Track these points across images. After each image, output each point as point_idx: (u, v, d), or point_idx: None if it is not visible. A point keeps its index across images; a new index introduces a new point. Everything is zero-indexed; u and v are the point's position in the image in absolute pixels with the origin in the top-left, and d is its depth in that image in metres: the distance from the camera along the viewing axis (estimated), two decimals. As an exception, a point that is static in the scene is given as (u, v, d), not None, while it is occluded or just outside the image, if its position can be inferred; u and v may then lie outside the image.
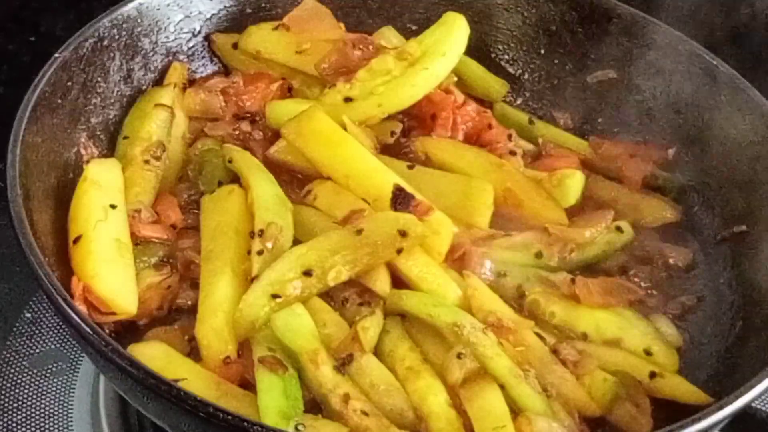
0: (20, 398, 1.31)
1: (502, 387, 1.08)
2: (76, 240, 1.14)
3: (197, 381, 1.06)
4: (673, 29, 1.44)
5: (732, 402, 1.01)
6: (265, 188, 1.24)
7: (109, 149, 1.33)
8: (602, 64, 1.50)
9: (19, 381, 1.33)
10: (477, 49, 1.50)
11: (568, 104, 1.53)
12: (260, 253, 1.15)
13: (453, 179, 1.28)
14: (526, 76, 1.56)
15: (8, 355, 1.36)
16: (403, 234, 1.16)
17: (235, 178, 1.29)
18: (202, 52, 1.48)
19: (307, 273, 1.13)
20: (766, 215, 1.28)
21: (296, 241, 1.19)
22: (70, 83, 1.26)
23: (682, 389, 1.15)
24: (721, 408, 1.01)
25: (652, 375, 1.15)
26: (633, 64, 1.47)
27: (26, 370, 1.34)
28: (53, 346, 1.37)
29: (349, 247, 1.15)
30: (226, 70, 1.48)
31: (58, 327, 1.39)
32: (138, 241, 1.21)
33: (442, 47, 1.37)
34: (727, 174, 1.36)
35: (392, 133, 1.36)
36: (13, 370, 1.34)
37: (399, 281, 1.19)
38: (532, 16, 1.53)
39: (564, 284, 1.22)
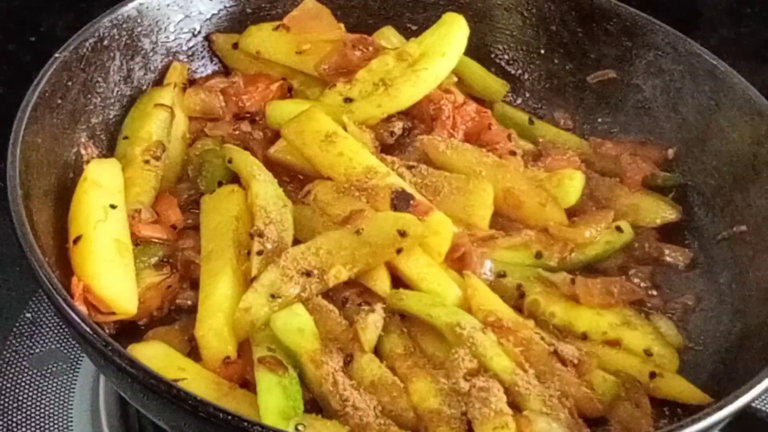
0: (20, 398, 1.31)
1: (502, 387, 1.08)
2: (76, 240, 1.14)
3: (197, 381, 1.06)
4: (673, 29, 1.44)
5: (732, 402, 1.01)
6: (265, 188, 1.24)
7: (109, 149, 1.33)
8: (602, 64, 1.50)
9: (19, 381, 1.33)
10: (477, 49, 1.50)
11: (568, 104, 1.53)
12: (260, 253, 1.15)
13: (453, 179, 1.28)
14: (526, 76, 1.56)
15: (8, 355, 1.36)
16: (402, 234, 1.16)
17: (235, 178, 1.29)
18: (202, 52, 1.48)
19: (307, 273, 1.13)
20: (766, 215, 1.28)
21: (296, 241, 1.19)
22: (70, 83, 1.26)
23: (682, 389, 1.15)
24: (721, 408, 1.00)
25: (652, 375, 1.15)
26: (633, 64, 1.47)
27: (26, 370, 1.34)
28: (53, 346, 1.37)
29: (348, 247, 1.15)
30: (226, 70, 1.49)
31: (58, 327, 1.39)
32: (138, 241, 1.21)
33: (441, 47, 1.37)
34: (727, 174, 1.36)
35: (392, 133, 1.36)
36: (13, 370, 1.34)
37: (399, 281, 1.19)
38: (532, 16, 1.53)
39: (564, 284, 1.22)
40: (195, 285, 1.18)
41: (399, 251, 1.16)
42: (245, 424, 0.92)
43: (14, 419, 1.29)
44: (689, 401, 1.13)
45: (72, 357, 1.36)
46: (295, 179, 1.32)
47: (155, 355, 1.09)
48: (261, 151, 1.34)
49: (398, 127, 1.36)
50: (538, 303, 1.21)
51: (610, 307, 1.21)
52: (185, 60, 1.45)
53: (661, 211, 1.37)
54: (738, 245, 1.31)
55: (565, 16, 1.50)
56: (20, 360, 1.35)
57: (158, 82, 1.42)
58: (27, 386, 1.32)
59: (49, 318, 1.40)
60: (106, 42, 1.33)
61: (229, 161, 1.30)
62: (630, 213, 1.35)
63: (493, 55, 1.56)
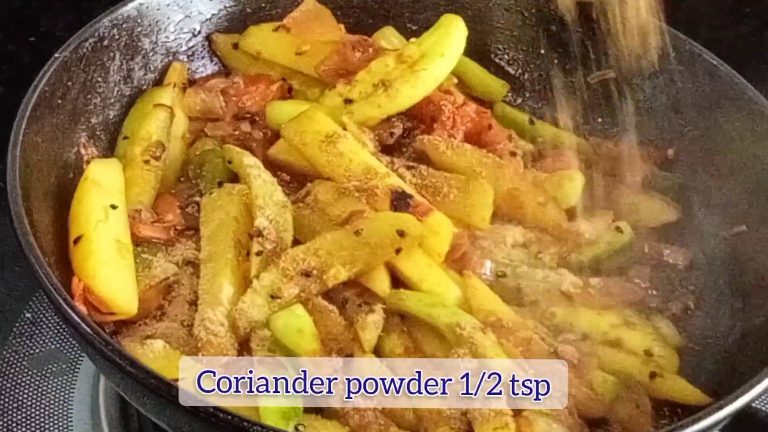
0: (20, 398, 1.31)
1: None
2: (77, 240, 1.14)
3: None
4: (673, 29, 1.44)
5: (732, 402, 1.01)
6: (265, 188, 1.24)
7: (109, 149, 1.33)
8: (602, 64, 1.49)
9: (19, 381, 1.33)
10: (477, 50, 1.50)
11: (568, 104, 1.53)
12: (259, 253, 1.15)
13: (453, 180, 1.28)
14: (526, 76, 1.56)
15: (8, 355, 1.36)
16: (401, 234, 1.16)
17: (235, 178, 1.29)
18: (202, 52, 1.48)
19: (306, 274, 1.13)
20: (766, 215, 1.28)
21: (296, 241, 1.19)
22: (70, 83, 1.26)
23: (682, 389, 1.15)
24: (721, 408, 1.00)
25: (652, 375, 1.15)
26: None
27: (26, 370, 1.34)
28: (53, 346, 1.37)
29: (347, 247, 1.15)
30: (226, 71, 1.49)
31: (58, 327, 1.39)
32: (138, 241, 1.21)
33: (440, 48, 1.37)
34: (727, 174, 1.36)
35: (392, 134, 1.36)
36: (13, 370, 1.34)
37: (399, 281, 1.19)
38: (532, 16, 1.53)
39: (564, 284, 1.22)
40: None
41: (398, 251, 1.16)
42: (245, 424, 0.92)
43: (14, 419, 1.29)
44: (689, 401, 1.13)
45: (72, 357, 1.36)
46: (295, 179, 1.32)
47: (155, 355, 1.09)
48: (261, 151, 1.34)
49: (398, 127, 1.36)
50: (538, 303, 1.21)
51: (610, 307, 1.21)
52: (185, 60, 1.45)
53: (661, 211, 1.37)
54: (738, 245, 1.31)
55: (565, 16, 1.50)
56: (20, 360, 1.35)
57: (158, 82, 1.42)
58: (27, 386, 1.32)
59: (49, 318, 1.40)
60: (106, 42, 1.33)
61: (229, 161, 1.30)
62: (630, 213, 1.35)
63: (493, 55, 1.56)
